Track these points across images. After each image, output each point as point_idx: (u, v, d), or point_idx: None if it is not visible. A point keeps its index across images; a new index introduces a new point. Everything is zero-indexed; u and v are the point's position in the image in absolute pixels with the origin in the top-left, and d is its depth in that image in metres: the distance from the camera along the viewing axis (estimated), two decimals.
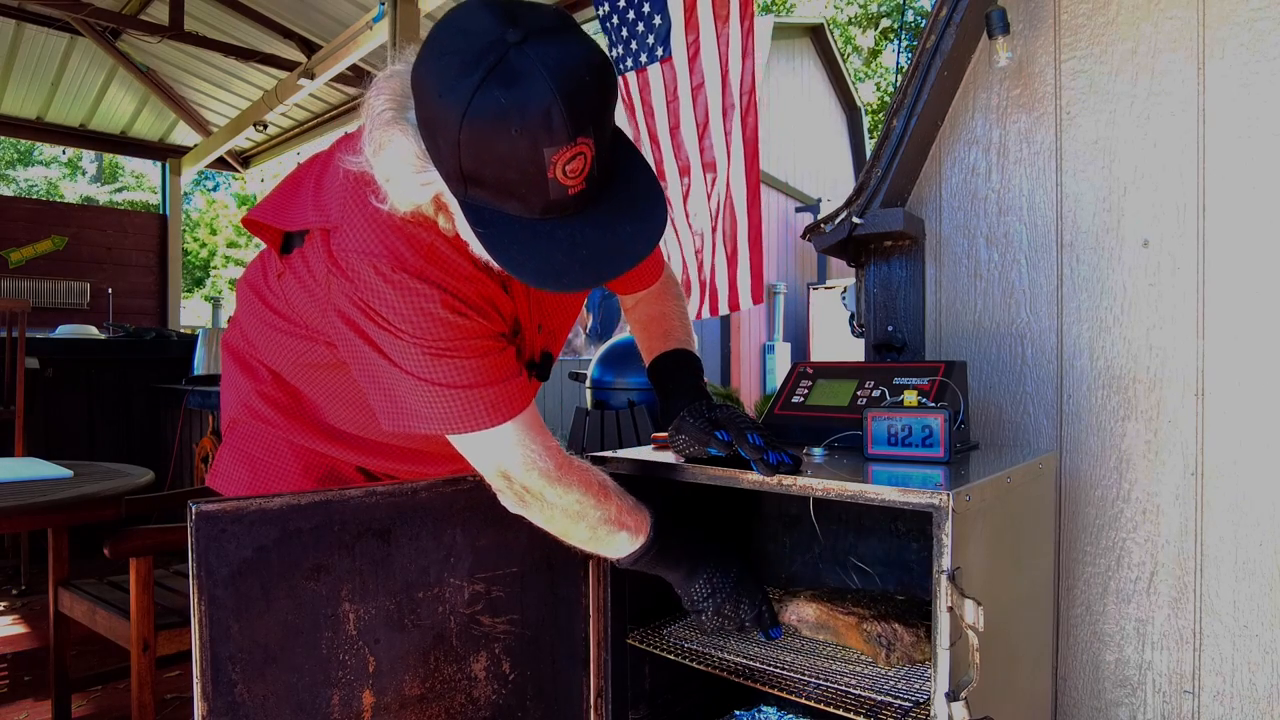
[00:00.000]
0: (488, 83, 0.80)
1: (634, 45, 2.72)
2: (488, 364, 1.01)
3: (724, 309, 2.64)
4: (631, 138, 2.77)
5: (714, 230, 2.63)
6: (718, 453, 1.15)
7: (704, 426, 1.16)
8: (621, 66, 2.80)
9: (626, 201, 0.91)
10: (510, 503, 1.08)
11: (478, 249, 0.91)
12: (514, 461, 1.04)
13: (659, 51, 2.71)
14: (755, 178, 2.50)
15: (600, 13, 2.91)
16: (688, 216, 2.74)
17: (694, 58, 2.63)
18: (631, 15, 2.73)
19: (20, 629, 3.14)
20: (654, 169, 2.77)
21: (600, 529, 1.10)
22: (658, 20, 2.66)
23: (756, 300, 2.58)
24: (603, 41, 2.85)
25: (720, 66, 2.56)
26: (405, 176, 0.89)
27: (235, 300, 1.29)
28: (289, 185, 1.11)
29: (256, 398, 1.19)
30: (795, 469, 1.09)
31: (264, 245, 1.16)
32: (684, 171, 2.71)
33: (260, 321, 1.18)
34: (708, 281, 2.70)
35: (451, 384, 0.98)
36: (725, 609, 1.18)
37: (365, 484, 1.20)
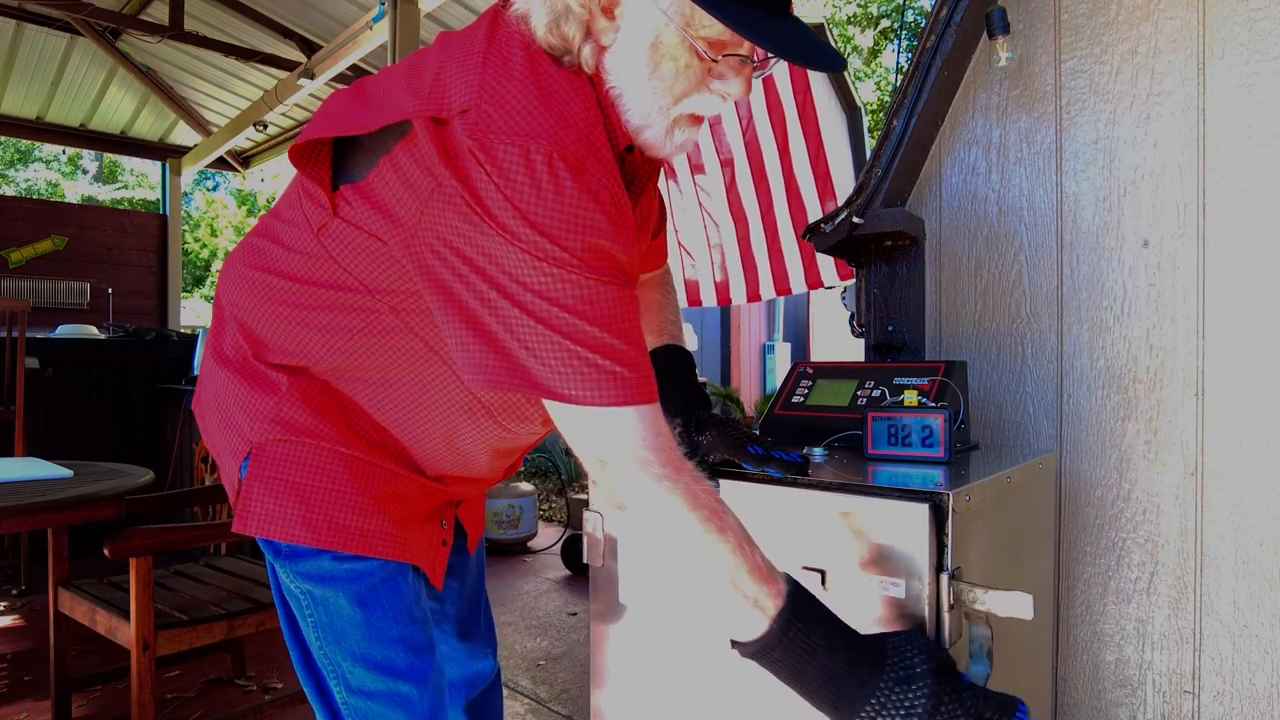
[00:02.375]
0: None
1: None
2: (627, 314, 0.82)
3: (797, 288, 2.76)
4: None
5: (765, 214, 2.72)
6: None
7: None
8: None
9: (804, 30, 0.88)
10: (604, 498, 0.87)
11: (632, 74, 0.85)
12: (621, 452, 0.82)
13: None
14: (824, 168, 2.59)
15: None
16: (729, 205, 2.83)
17: None
18: None
19: (20, 629, 3.14)
20: (687, 165, 2.89)
21: (734, 571, 0.82)
22: None
23: (845, 277, 2.67)
24: None
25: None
26: None
27: (217, 304, 1.04)
28: (369, 83, 0.96)
29: (289, 405, 0.96)
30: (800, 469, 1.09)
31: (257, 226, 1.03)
32: (726, 164, 2.81)
33: (279, 305, 0.97)
34: (754, 264, 2.82)
35: (580, 315, 0.80)
36: None
37: (427, 498, 1.04)
